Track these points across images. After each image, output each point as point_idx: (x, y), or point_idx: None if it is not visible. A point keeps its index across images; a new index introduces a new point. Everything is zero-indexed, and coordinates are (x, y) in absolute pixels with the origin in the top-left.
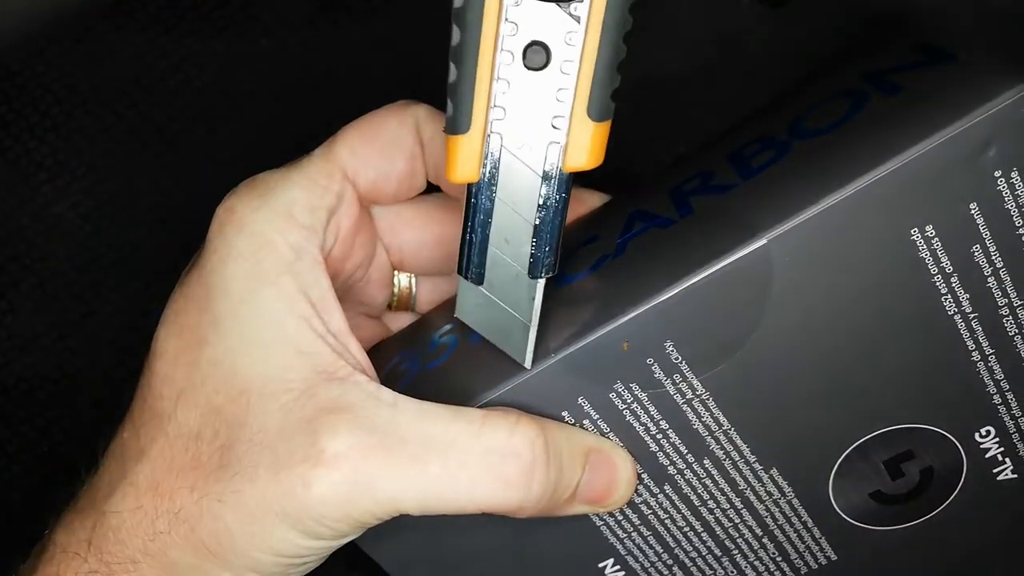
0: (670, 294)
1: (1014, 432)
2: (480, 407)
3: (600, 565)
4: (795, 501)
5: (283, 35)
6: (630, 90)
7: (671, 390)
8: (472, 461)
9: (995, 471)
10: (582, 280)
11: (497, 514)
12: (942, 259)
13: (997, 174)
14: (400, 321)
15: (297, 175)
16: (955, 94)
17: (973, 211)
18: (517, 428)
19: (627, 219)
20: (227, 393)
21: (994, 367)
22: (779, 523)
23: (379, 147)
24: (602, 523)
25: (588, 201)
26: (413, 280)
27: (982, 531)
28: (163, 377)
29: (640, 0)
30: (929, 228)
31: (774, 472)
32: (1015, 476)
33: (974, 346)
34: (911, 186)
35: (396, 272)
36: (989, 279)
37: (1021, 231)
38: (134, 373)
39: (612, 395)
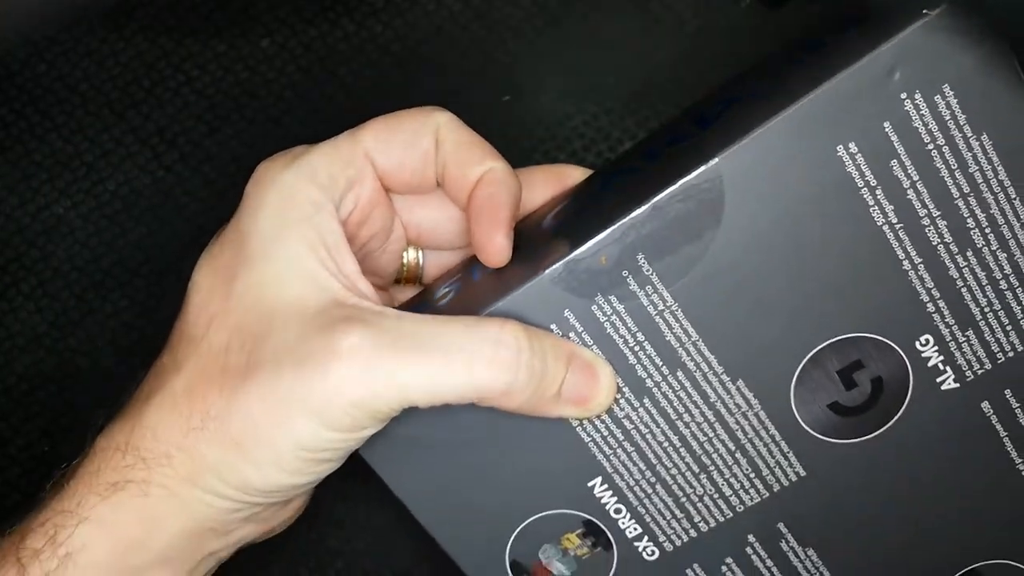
0: (639, 210)
1: (951, 341)
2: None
3: (589, 484)
4: (762, 413)
5: (284, 36)
6: (629, 90)
7: (644, 301)
8: (468, 349)
9: (938, 380)
10: (566, 213)
11: (492, 400)
12: (866, 173)
13: (903, 96)
14: (408, 294)
15: (324, 147)
16: (865, 35)
17: (887, 129)
18: (506, 325)
19: (604, 177)
20: (254, 315)
21: (924, 276)
22: (749, 437)
23: (400, 139)
24: (589, 439)
25: (573, 175)
26: (421, 255)
27: (935, 442)
28: (197, 307)
29: None
30: (852, 145)
31: (740, 384)
32: (957, 386)
33: (903, 255)
34: (832, 108)
35: (406, 246)
36: (909, 191)
37: (930, 147)
38: (135, 372)
39: (594, 307)
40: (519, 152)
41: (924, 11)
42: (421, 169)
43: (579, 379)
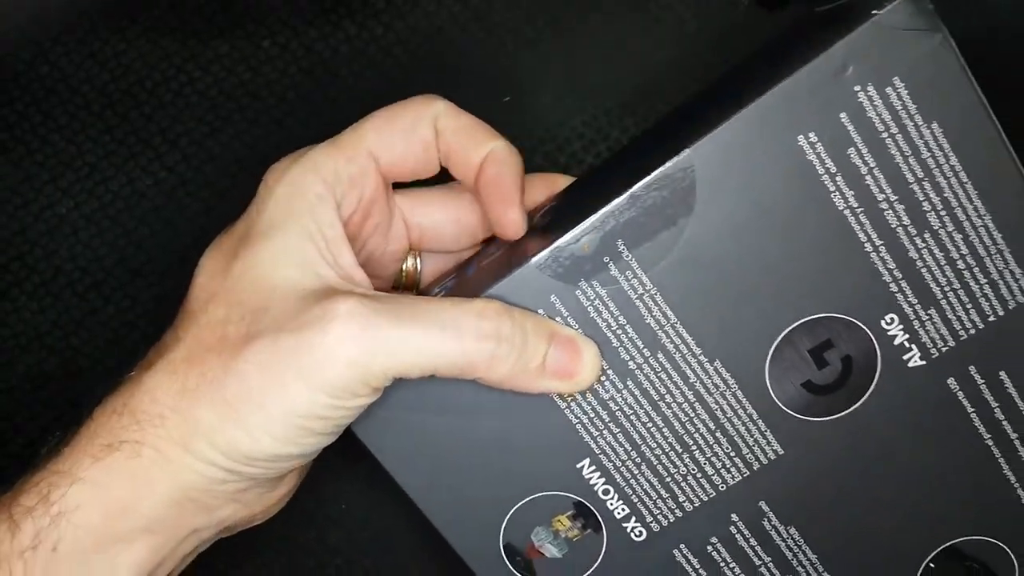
0: (617, 199)
1: (914, 319)
2: None
3: (578, 465)
4: (739, 393)
5: (286, 37)
6: (629, 90)
7: (625, 286)
8: (456, 322)
9: (905, 358)
10: (552, 212)
11: (479, 371)
12: (826, 161)
13: (856, 88)
14: None
15: (328, 147)
16: (826, 34)
17: (844, 119)
18: (489, 302)
19: (588, 176)
20: (253, 291)
21: (885, 257)
22: (728, 416)
23: (400, 131)
24: (577, 421)
25: (559, 183)
26: (419, 262)
27: (905, 418)
28: (200, 286)
29: None
30: (812, 135)
31: (718, 364)
32: (923, 363)
33: (865, 238)
34: (792, 102)
35: (407, 252)
36: (866, 177)
37: (884, 135)
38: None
39: (578, 292)
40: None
41: (873, 11)
42: (424, 158)
43: (562, 354)
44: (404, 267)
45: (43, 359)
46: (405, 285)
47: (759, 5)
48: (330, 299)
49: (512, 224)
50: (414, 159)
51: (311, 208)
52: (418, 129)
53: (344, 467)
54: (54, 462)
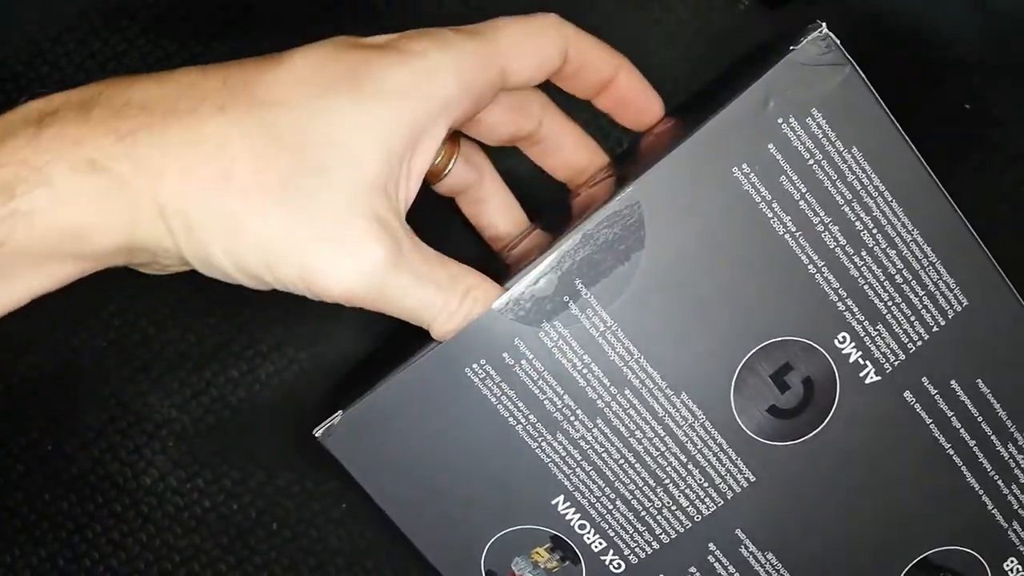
0: (571, 239)
1: (865, 336)
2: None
3: (553, 502)
4: (707, 423)
5: (285, 37)
6: None
7: (587, 324)
8: (446, 297)
9: (861, 375)
10: (522, 249)
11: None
12: (761, 189)
13: (780, 121)
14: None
15: (474, 54)
16: (751, 74)
17: (772, 150)
18: (480, 286)
19: (552, 207)
20: (324, 144)
21: (829, 277)
22: (699, 447)
23: (538, 61)
24: (549, 460)
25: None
26: (453, 163)
27: (869, 435)
28: (298, 67)
29: None
30: (744, 166)
31: (684, 396)
32: (879, 378)
33: (807, 260)
34: (722, 137)
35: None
36: (800, 202)
37: (811, 162)
38: (137, 372)
39: (541, 334)
40: (519, 153)
41: (790, 47)
42: (540, 80)
43: None
44: (435, 160)
45: (43, 360)
46: (430, 173)
47: (761, 3)
48: (366, 234)
49: (656, 111)
50: (533, 83)
51: (430, 115)
52: (553, 60)
53: (344, 468)
54: (27, 144)
